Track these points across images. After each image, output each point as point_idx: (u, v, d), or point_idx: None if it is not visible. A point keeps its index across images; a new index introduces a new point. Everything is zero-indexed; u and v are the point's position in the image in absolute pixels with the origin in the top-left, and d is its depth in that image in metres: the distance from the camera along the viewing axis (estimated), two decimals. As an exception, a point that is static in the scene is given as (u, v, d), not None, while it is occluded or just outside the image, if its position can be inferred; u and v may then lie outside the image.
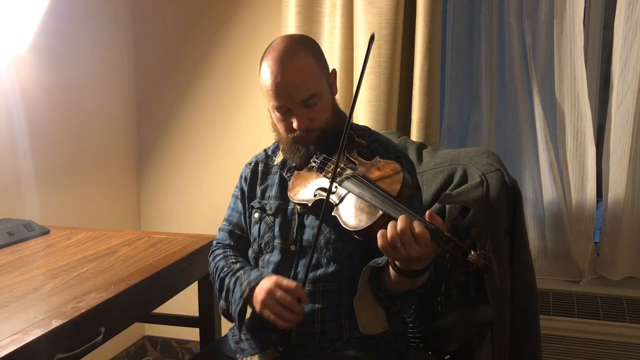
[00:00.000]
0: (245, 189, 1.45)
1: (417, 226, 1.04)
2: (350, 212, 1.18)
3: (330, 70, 1.36)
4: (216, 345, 1.53)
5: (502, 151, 2.19)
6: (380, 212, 1.12)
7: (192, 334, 2.28)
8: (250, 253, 1.41)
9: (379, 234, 1.07)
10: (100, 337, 1.24)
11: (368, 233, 1.13)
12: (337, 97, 2.04)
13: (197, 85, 2.49)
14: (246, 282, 1.28)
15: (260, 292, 1.23)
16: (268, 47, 1.31)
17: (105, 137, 2.43)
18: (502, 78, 2.20)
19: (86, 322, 1.21)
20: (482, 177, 1.56)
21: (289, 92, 1.25)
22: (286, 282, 1.21)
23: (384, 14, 1.99)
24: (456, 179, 1.61)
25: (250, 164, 1.48)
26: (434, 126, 2.04)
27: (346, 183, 1.22)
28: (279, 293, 1.19)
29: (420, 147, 1.79)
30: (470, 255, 1.01)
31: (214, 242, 1.50)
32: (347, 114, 1.25)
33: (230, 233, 1.46)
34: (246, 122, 2.44)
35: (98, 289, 1.33)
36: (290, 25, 2.15)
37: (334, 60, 2.11)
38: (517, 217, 1.61)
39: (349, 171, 1.24)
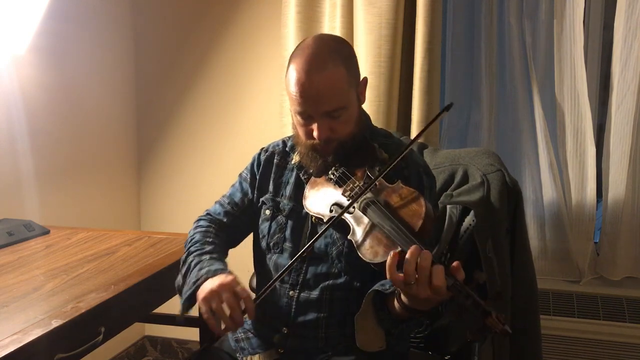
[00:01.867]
0: (257, 176, 1.40)
1: (435, 273, 0.99)
2: (367, 242, 1.13)
3: (361, 79, 1.29)
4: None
5: (502, 151, 2.19)
6: (399, 249, 1.06)
7: (192, 334, 2.28)
8: (260, 248, 1.39)
9: (390, 267, 1.02)
10: (100, 337, 1.25)
11: (384, 267, 1.07)
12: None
13: (197, 85, 2.49)
14: (205, 269, 1.23)
15: (210, 284, 1.17)
16: (299, 46, 1.24)
17: (105, 137, 2.43)
18: (502, 78, 2.20)
19: (86, 322, 1.21)
20: (482, 177, 1.56)
21: (315, 102, 1.19)
22: (240, 287, 1.15)
23: (384, 14, 1.99)
24: (457, 179, 1.61)
25: (266, 151, 1.43)
26: (433, 126, 2.04)
27: (366, 209, 1.16)
28: (226, 294, 1.13)
29: (421, 147, 1.79)
30: (489, 319, 0.95)
31: (205, 211, 1.45)
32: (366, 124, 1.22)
33: (227, 212, 1.42)
34: (246, 122, 2.44)
35: (98, 289, 1.33)
36: (290, 25, 2.15)
37: (334, 60, 2.10)
38: (518, 217, 1.61)
39: (369, 194, 1.18)
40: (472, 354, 1.42)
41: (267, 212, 1.36)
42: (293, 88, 1.20)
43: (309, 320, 1.27)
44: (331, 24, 2.12)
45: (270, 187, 1.38)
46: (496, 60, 2.18)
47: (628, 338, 2.05)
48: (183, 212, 2.58)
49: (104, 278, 1.41)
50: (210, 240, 1.35)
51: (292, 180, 1.36)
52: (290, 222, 1.33)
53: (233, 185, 1.46)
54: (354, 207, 1.17)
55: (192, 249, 1.34)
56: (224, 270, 1.24)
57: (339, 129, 1.23)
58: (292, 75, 1.20)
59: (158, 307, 1.57)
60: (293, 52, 1.24)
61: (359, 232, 1.15)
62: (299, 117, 1.24)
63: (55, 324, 1.14)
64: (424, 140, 1.98)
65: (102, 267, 1.50)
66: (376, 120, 2.03)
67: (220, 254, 1.34)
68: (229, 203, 1.43)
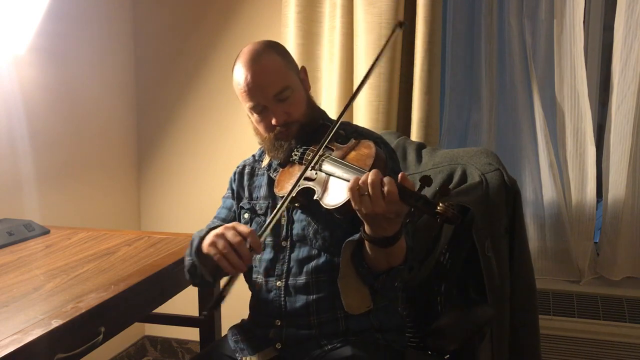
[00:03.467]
0: (235, 189, 1.48)
1: (387, 182, 1.06)
2: (329, 192, 1.21)
3: (299, 68, 1.40)
4: (216, 345, 1.53)
5: (502, 151, 2.19)
6: None
7: (192, 334, 2.28)
8: None
9: (352, 179, 1.09)
10: (100, 337, 1.25)
11: (347, 209, 1.14)
12: (337, 96, 2.08)
13: (197, 85, 2.49)
14: (207, 229, 1.30)
15: (214, 231, 1.22)
16: (238, 55, 1.37)
17: (105, 137, 2.43)
18: (502, 78, 2.20)
19: (86, 322, 1.21)
20: (481, 177, 1.56)
21: (261, 88, 1.30)
22: (242, 227, 1.20)
23: (384, 14, 1.99)
24: (456, 178, 1.61)
25: (238, 167, 1.52)
26: (434, 126, 2.04)
27: (323, 166, 1.25)
28: (230, 232, 1.18)
29: (420, 147, 1.79)
30: (438, 207, 1.02)
31: None
32: (340, 111, 1.28)
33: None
34: (246, 122, 2.42)
35: (98, 289, 1.33)
36: (291, 25, 2.15)
37: (334, 60, 2.11)
38: (517, 217, 1.61)
39: (325, 155, 1.27)
40: (471, 354, 1.42)
41: (246, 215, 1.42)
42: (240, 85, 1.32)
43: (300, 306, 1.30)
44: (331, 24, 2.12)
45: (246, 194, 1.45)
46: (496, 60, 2.18)
47: (628, 338, 2.05)
48: (183, 212, 2.58)
49: (104, 278, 1.41)
50: None
51: (264, 182, 1.43)
52: (268, 219, 1.35)
53: (219, 207, 1.51)
54: (316, 173, 1.25)
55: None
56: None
57: (293, 110, 1.33)
58: (237, 74, 1.33)
59: (158, 307, 1.57)
60: (234, 61, 1.36)
61: (320, 189, 1.23)
62: (255, 114, 1.34)
63: (55, 324, 1.14)
64: (424, 140, 1.98)
65: (102, 267, 1.50)
66: (376, 120, 2.03)
67: None
68: (217, 221, 1.48)
